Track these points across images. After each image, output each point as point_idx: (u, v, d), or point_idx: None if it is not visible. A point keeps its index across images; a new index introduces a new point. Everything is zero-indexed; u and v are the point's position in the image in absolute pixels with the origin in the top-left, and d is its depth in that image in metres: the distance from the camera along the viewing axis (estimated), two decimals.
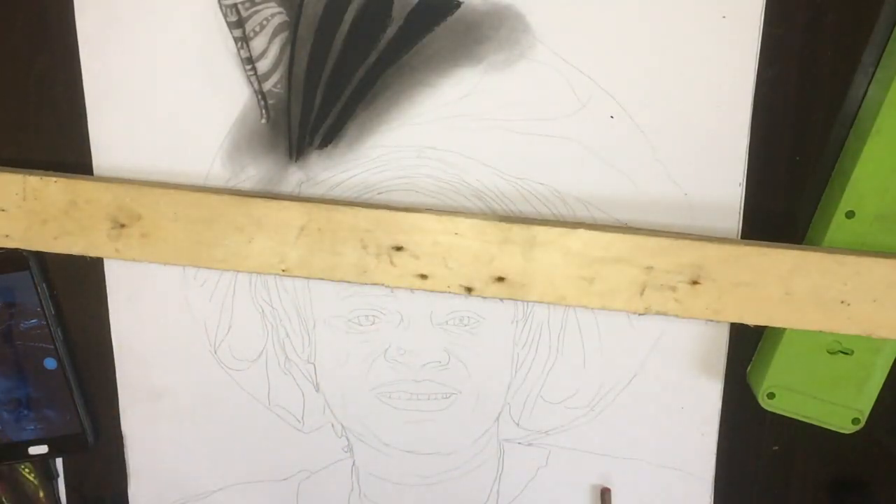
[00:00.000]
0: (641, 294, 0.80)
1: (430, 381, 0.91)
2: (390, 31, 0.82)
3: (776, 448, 0.91)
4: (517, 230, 0.79)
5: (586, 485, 0.93)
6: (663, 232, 0.82)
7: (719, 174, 0.83)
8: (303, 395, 0.92)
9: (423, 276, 0.82)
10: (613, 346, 0.88)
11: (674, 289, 0.80)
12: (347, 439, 0.93)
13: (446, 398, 0.91)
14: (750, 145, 0.82)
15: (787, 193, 0.84)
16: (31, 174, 0.83)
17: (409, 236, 0.81)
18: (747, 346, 0.88)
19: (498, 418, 0.92)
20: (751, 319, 0.81)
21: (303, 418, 0.93)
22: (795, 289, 0.79)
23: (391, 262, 0.82)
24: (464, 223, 0.81)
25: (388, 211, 0.81)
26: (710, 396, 0.89)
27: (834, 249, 0.79)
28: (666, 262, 0.80)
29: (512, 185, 0.84)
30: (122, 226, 0.83)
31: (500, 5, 0.80)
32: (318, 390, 0.92)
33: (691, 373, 0.88)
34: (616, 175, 0.83)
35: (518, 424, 0.92)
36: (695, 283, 0.80)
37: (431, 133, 0.84)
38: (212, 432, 0.94)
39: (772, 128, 0.82)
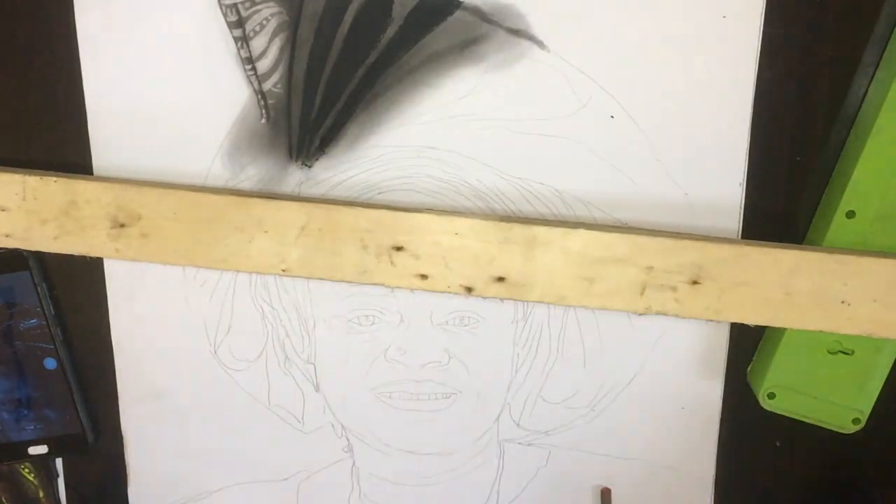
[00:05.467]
0: (641, 294, 0.80)
1: (430, 381, 0.91)
2: (390, 31, 0.82)
3: (777, 444, 0.91)
4: (517, 230, 0.79)
5: (586, 485, 0.93)
6: (663, 232, 0.82)
7: (719, 174, 0.83)
8: (303, 395, 0.92)
9: (424, 276, 0.82)
10: (613, 346, 0.88)
11: (674, 289, 0.80)
12: (347, 439, 0.93)
13: (446, 398, 0.91)
14: (750, 145, 0.82)
15: (787, 193, 0.84)
16: (30, 174, 0.83)
17: (410, 236, 0.81)
18: (747, 346, 0.88)
19: (498, 418, 0.92)
20: (751, 319, 0.81)
21: (303, 418, 0.93)
22: (796, 289, 0.79)
23: (391, 262, 0.82)
24: (464, 223, 0.81)
25: (388, 211, 0.81)
26: (710, 396, 0.89)
27: (834, 249, 0.79)
28: (666, 262, 0.80)
29: (512, 185, 0.84)
30: (122, 226, 0.83)
31: (500, 5, 0.80)
32: (318, 390, 0.92)
33: (691, 373, 0.88)
34: (616, 175, 0.83)
35: (518, 424, 0.92)
36: (695, 283, 0.80)
37: (431, 133, 0.84)
38: (212, 432, 0.94)
39: (772, 128, 0.82)
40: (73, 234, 0.83)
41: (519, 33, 0.81)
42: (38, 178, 0.82)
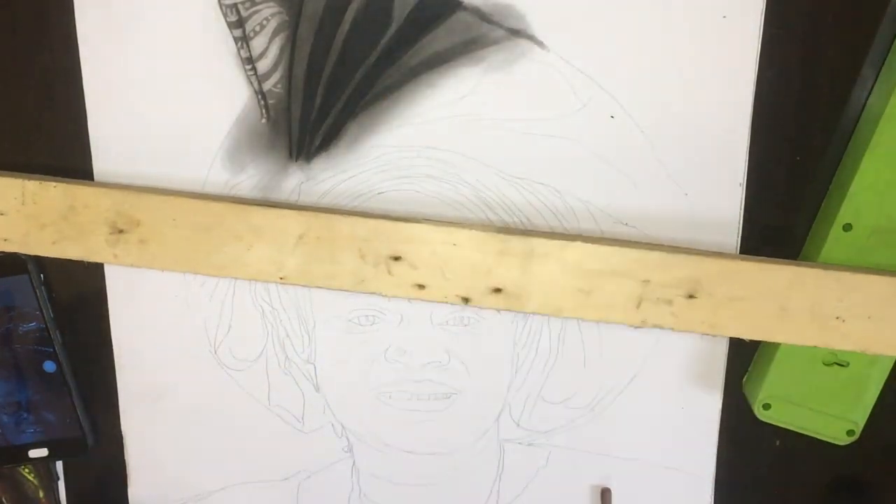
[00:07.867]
0: (638, 307, 0.80)
1: (430, 381, 0.91)
2: (390, 31, 0.82)
3: (777, 444, 0.91)
4: (515, 242, 0.79)
5: (586, 485, 0.93)
6: (660, 245, 0.82)
7: (719, 173, 0.83)
8: (303, 395, 0.92)
9: (421, 286, 0.82)
10: (614, 346, 0.88)
11: (670, 302, 0.80)
12: (347, 439, 0.93)
13: (446, 398, 0.91)
14: (750, 146, 0.82)
15: (787, 195, 0.84)
16: (29, 178, 0.83)
17: (408, 246, 0.81)
18: (746, 351, 0.88)
19: (498, 418, 0.92)
20: (746, 334, 0.81)
21: (303, 418, 0.93)
22: (791, 304, 0.79)
23: (389, 272, 0.82)
24: (462, 234, 0.81)
25: (386, 220, 0.81)
26: (710, 396, 0.89)
27: (830, 266, 0.79)
28: (663, 275, 0.80)
29: (512, 185, 0.84)
30: (121, 231, 0.83)
31: (500, 5, 0.80)
32: (318, 390, 0.92)
33: (691, 372, 0.88)
34: (616, 175, 0.83)
35: (518, 424, 0.92)
36: (691, 297, 0.80)
37: (431, 133, 0.84)
38: (212, 432, 0.94)
39: (772, 128, 0.82)
40: (72, 240, 0.83)
41: (519, 33, 0.81)
42: (37, 182, 0.83)
